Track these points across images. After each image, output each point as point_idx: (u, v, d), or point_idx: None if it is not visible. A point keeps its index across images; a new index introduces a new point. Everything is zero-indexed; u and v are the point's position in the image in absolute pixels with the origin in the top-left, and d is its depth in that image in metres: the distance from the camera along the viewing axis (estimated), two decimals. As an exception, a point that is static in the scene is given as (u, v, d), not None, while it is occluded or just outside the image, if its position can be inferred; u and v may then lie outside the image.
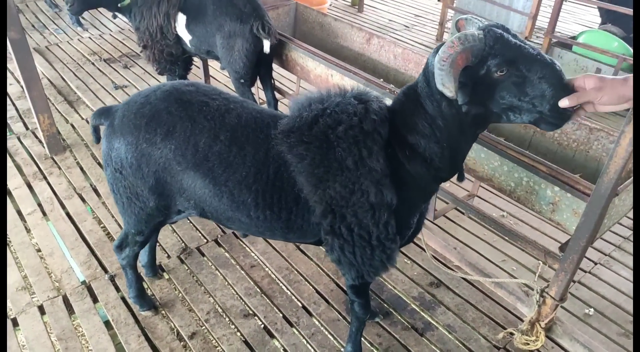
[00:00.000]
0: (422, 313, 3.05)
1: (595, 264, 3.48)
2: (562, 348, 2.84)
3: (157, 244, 3.37)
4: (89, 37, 6.77)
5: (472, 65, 1.74)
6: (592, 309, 3.13)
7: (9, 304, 2.98)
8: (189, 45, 4.11)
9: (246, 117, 2.19)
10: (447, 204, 3.56)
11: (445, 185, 4.12)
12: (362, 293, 2.42)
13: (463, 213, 3.86)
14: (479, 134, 2.08)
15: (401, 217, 2.14)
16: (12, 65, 5.88)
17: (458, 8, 6.75)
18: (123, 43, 6.62)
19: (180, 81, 2.39)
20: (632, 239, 3.71)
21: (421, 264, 3.39)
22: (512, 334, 2.87)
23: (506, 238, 3.63)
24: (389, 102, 2.15)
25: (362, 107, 2.01)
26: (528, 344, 2.79)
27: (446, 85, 1.71)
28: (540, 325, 2.74)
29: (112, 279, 3.15)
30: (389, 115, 2.04)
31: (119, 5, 4.15)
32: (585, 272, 3.40)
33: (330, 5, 8.28)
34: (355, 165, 1.97)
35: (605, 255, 3.57)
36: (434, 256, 3.40)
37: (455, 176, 2.17)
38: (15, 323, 2.87)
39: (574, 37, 5.98)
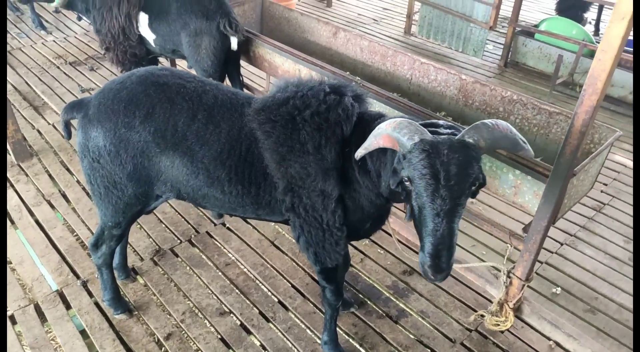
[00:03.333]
0: (396, 301, 3.11)
1: (562, 244, 3.59)
2: (531, 327, 2.93)
3: (129, 246, 3.36)
4: (54, 41, 6.63)
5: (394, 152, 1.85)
6: (559, 288, 3.23)
7: (-22, 315, 2.93)
8: (153, 44, 4.07)
9: (222, 97, 2.29)
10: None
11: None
12: (331, 279, 2.47)
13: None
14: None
15: (350, 215, 2.24)
16: (-27, 72, 5.73)
17: (425, 0, 6.82)
18: (88, 45, 6.50)
19: (153, 66, 2.45)
20: (596, 220, 3.83)
21: (394, 253, 3.45)
22: (482, 316, 2.95)
23: (475, 224, 3.71)
24: (368, 105, 2.23)
25: (334, 99, 2.09)
26: (498, 324, 2.88)
27: (364, 147, 1.87)
28: (508, 305, 2.83)
29: (84, 284, 3.12)
30: (357, 116, 2.11)
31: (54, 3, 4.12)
32: (551, 253, 3.51)
33: (299, 0, 8.27)
34: (315, 150, 2.07)
35: (571, 235, 3.68)
36: (400, 241, 3.46)
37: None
38: (-14, 334, 2.82)
39: (536, 25, 6.11)
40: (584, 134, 2.09)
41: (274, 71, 3.95)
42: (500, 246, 3.53)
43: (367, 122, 2.09)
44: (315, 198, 2.14)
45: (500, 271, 2.83)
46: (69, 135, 2.57)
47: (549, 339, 2.87)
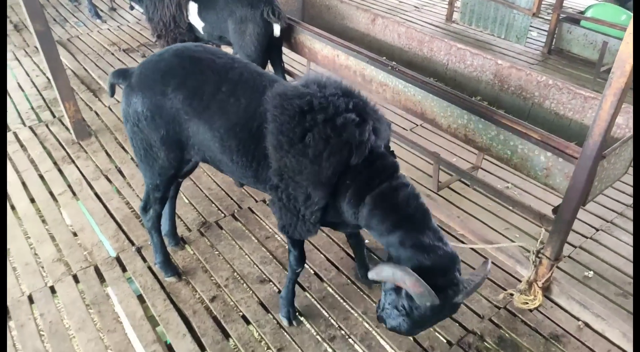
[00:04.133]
0: (427, 277, 3.23)
1: (597, 230, 3.60)
2: (560, 307, 3.00)
3: (179, 218, 3.63)
4: (108, 29, 7.03)
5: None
6: (591, 272, 3.26)
7: (45, 273, 3.26)
8: (201, 32, 4.31)
9: (247, 75, 2.46)
10: (451, 176, 3.72)
11: (452, 158, 4.27)
12: (296, 246, 2.68)
13: (468, 185, 4.01)
14: None
15: (329, 218, 2.38)
16: (38, 57, 6.19)
17: (467, -13, 6.79)
18: (140, 33, 6.86)
19: (189, 43, 2.66)
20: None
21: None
22: (511, 294, 3.03)
23: (510, 208, 3.77)
24: (383, 141, 2.31)
25: (353, 119, 2.12)
26: (527, 303, 2.96)
27: (379, 275, 2.04)
28: (537, 285, 2.91)
29: (138, 250, 3.42)
30: (369, 152, 2.17)
31: None
32: (586, 238, 3.53)
33: (340, -12, 8.36)
34: (314, 158, 2.15)
35: (607, 222, 3.68)
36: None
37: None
38: (52, 290, 3.15)
39: (582, 12, 5.98)
40: (612, 116, 2.14)
41: (313, 57, 4.11)
42: (534, 229, 3.58)
43: (374, 161, 2.19)
44: (299, 194, 2.27)
45: (530, 251, 2.90)
46: (112, 94, 2.82)
47: (577, 319, 2.93)
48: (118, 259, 3.36)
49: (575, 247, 3.45)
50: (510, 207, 3.70)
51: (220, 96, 2.39)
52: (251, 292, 3.12)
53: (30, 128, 4.80)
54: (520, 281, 3.19)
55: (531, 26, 6.54)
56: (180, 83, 2.43)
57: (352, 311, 2.99)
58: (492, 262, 3.34)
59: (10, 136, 4.67)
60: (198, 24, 4.26)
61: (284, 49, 4.42)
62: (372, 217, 2.18)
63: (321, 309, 3.01)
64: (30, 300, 3.09)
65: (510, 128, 2.71)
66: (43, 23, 3.96)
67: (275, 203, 2.43)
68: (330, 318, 2.95)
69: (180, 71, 2.45)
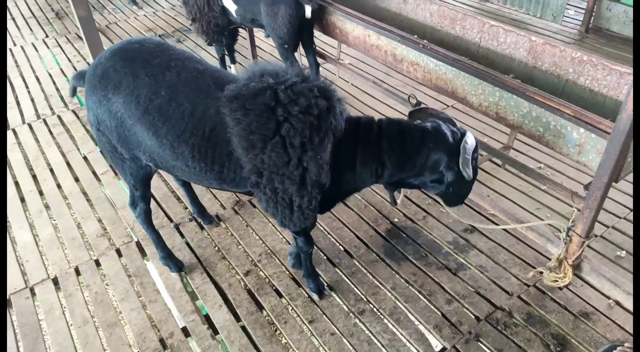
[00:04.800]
0: (455, 255, 3.27)
1: (631, 210, 3.54)
2: (590, 285, 2.99)
3: (214, 197, 3.77)
4: (144, 15, 7.22)
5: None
6: (624, 252, 3.23)
7: (90, 247, 3.47)
8: (234, 15, 4.40)
9: (186, 76, 2.35)
10: (482, 156, 3.71)
11: (483, 138, 4.25)
12: (300, 233, 2.72)
13: (498, 165, 3.99)
14: None
15: (328, 197, 2.47)
16: (79, 43, 6.43)
17: (502, -36, 6.62)
18: (175, 19, 7.02)
19: (129, 39, 2.56)
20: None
21: (456, 212, 3.58)
22: (541, 272, 3.04)
23: (541, 187, 3.74)
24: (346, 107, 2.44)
25: (325, 104, 2.21)
26: (557, 281, 2.96)
27: (467, 165, 2.32)
28: (567, 262, 2.89)
29: (177, 227, 3.58)
30: (346, 123, 2.34)
31: None
32: (619, 218, 3.48)
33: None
34: (302, 146, 2.20)
35: (643, 202, 3.61)
36: (466, 204, 3.57)
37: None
38: (97, 264, 3.35)
39: (623, -13, 5.76)
40: (649, 90, 2.10)
41: (344, 38, 4.13)
42: (566, 209, 3.55)
43: (353, 126, 2.41)
44: (288, 185, 2.27)
45: (561, 230, 2.89)
46: (72, 94, 2.87)
47: (608, 297, 2.92)
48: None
49: (607, 227, 3.41)
50: (542, 187, 3.68)
51: (158, 101, 2.31)
52: (283, 267, 3.23)
53: (74, 111, 5.03)
54: (549, 259, 3.19)
55: (568, 4, 6.34)
56: (116, 86, 2.37)
57: (380, 287, 3.06)
58: (522, 241, 3.34)
59: (54, 119, 4.91)
60: (231, 7, 4.34)
61: (315, 32, 4.46)
62: (400, 167, 2.43)
63: (351, 284, 3.09)
64: (77, 272, 3.30)
65: (542, 104, 2.69)
66: (85, 8, 4.13)
67: (262, 199, 2.41)
68: (359, 293, 3.04)
69: (113, 74, 2.38)
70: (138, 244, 3.47)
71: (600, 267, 2.92)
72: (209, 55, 5.96)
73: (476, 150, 2.41)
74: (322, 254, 3.30)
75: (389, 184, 2.63)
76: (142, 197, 2.85)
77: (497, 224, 3.40)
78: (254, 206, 3.73)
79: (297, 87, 2.19)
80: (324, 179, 2.30)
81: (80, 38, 6.55)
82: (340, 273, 3.18)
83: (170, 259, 3.19)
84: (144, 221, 3.01)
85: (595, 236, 3.11)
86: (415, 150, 2.39)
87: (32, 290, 3.18)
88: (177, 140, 2.33)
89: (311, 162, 2.23)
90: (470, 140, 2.33)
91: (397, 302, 2.97)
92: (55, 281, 3.24)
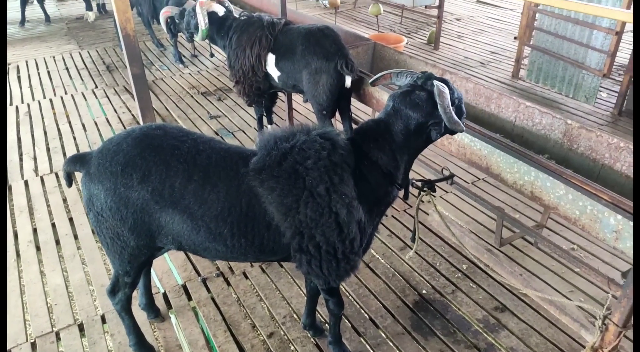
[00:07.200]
0: (485, 335, 3.18)
1: (671, 301, 3.41)
2: (628, 379, 2.84)
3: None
4: (189, 73, 7.64)
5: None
6: (664, 345, 3.08)
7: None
8: (276, 80, 4.63)
9: (216, 157, 2.40)
10: (514, 233, 3.68)
11: (514, 214, 4.23)
12: (334, 293, 2.73)
13: (531, 243, 3.94)
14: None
15: (364, 230, 2.45)
16: (125, 96, 6.80)
17: (535, 46, 6.86)
18: (218, 79, 7.40)
19: (148, 126, 2.52)
20: None
21: (487, 288, 3.52)
22: (575, 360, 2.91)
23: (575, 270, 3.66)
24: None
25: (329, 143, 2.33)
26: (591, 371, 2.83)
27: (454, 122, 2.28)
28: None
29: (204, 281, 3.60)
30: (351, 146, 2.42)
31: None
32: (658, 308, 3.34)
33: (406, 43, 8.66)
34: (327, 192, 2.27)
35: (683, 293, 3.48)
36: (497, 282, 3.51)
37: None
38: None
39: (657, 74, 5.86)
40: (690, 182, 2.11)
41: (380, 107, 4.28)
42: (600, 294, 3.45)
43: (356, 142, 2.45)
44: (329, 233, 2.31)
45: (596, 317, 2.81)
46: (69, 184, 2.65)
47: (648, 394, 2.76)
48: (184, 288, 3.55)
49: (646, 317, 3.27)
50: (576, 269, 3.60)
51: (193, 186, 2.33)
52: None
53: (115, 160, 5.23)
54: (583, 347, 3.07)
55: (601, 86, 6.46)
56: (144, 176, 2.32)
57: None
58: (554, 324, 3.24)
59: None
60: (274, 73, 4.58)
61: (352, 99, 4.64)
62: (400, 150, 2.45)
63: (375, 356, 3.02)
64: (103, 320, 3.32)
65: (579, 188, 2.70)
66: (139, 66, 4.42)
67: (304, 262, 2.41)
68: (384, 366, 2.96)
69: (143, 163, 2.33)
70: (165, 296, 3.49)
71: (639, 360, 2.79)
72: (248, 114, 6.21)
73: (453, 94, 2.39)
74: (347, 322, 3.25)
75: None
76: (131, 284, 2.76)
77: (529, 305, 3.32)
78: (282, 266, 3.74)
79: (306, 144, 2.33)
80: (357, 215, 2.33)
81: (127, 90, 6.97)
82: (365, 343, 3.11)
83: (140, 345, 3.01)
84: (123, 307, 2.84)
85: (632, 325, 2.98)
86: (396, 132, 2.43)
87: (57, 334, 3.21)
88: (215, 220, 2.35)
89: (339, 205, 2.29)
90: (441, 93, 2.28)
91: (423, 379, 2.88)
92: (81, 327, 3.26)
